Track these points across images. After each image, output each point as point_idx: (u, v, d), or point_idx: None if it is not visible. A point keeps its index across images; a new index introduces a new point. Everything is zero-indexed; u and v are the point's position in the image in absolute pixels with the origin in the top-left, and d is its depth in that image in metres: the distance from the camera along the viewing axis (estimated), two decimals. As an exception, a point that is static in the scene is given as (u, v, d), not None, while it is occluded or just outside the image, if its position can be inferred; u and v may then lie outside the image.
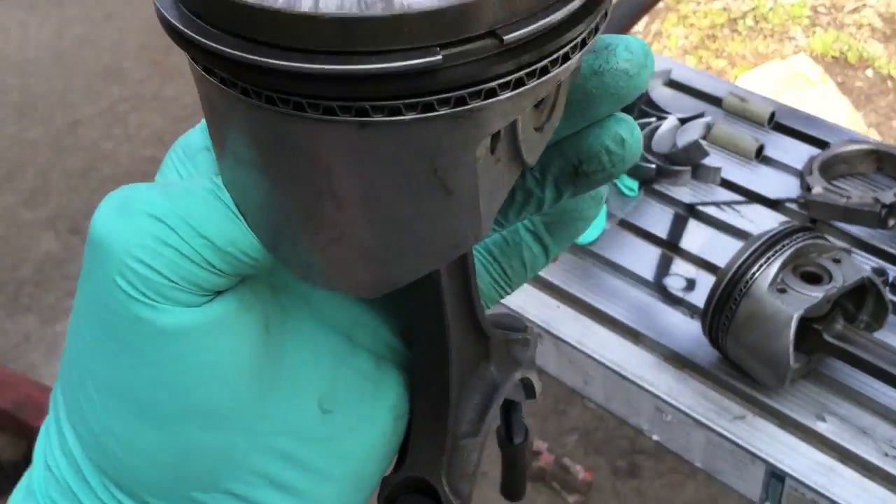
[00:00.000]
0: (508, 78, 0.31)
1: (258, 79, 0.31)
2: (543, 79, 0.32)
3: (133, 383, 0.36)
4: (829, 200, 1.45)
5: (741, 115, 1.69)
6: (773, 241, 1.23)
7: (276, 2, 0.29)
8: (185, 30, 0.32)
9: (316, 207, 0.34)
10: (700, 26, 3.44)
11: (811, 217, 1.49)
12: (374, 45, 0.29)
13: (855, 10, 3.30)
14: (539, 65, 0.31)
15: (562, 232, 0.45)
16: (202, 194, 0.35)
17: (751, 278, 1.22)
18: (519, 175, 0.37)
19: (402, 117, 0.31)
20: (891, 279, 1.40)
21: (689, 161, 1.56)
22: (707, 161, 1.56)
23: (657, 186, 1.57)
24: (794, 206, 1.52)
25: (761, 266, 1.22)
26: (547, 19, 0.31)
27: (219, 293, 0.36)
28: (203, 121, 0.39)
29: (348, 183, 0.33)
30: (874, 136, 2.82)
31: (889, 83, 3.11)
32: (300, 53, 0.30)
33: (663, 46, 3.37)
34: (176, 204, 0.35)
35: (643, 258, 1.47)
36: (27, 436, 2.03)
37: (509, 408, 0.51)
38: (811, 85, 2.89)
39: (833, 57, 3.17)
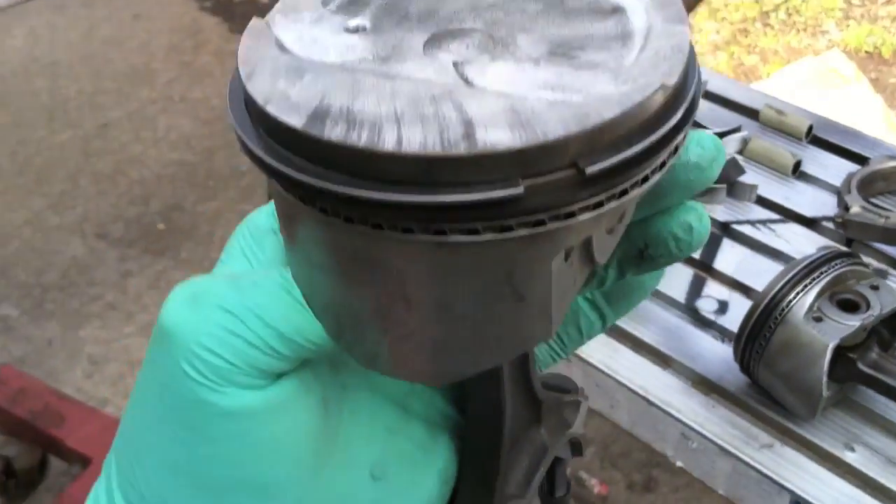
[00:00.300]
0: (588, 202, 0.31)
1: (335, 204, 0.31)
2: (622, 200, 0.32)
3: (191, 458, 0.37)
4: (867, 220, 1.41)
5: (778, 128, 1.66)
6: (811, 268, 1.20)
7: (359, 139, 0.30)
8: (269, 159, 0.32)
9: (388, 309, 0.34)
10: (731, 20, 3.39)
11: (848, 237, 1.45)
12: (455, 178, 0.30)
13: (889, 2, 3.23)
14: (619, 188, 0.32)
15: (621, 302, 0.45)
16: (271, 288, 0.36)
17: (787, 306, 1.19)
18: None
19: (480, 237, 0.31)
20: (930, 301, 1.36)
21: (725, 178, 1.53)
22: (743, 178, 1.53)
23: (691, 204, 1.54)
24: (830, 225, 1.49)
25: (798, 293, 1.19)
26: (630, 151, 0.31)
27: (280, 376, 0.37)
28: (271, 204, 0.40)
29: (422, 291, 0.34)
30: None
31: (926, 79, 3.05)
32: (380, 182, 0.30)
33: (695, 42, 3.32)
34: (245, 297, 0.36)
35: (675, 279, 1.44)
36: (43, 444, 2.05)
37: (554, 463, 0.51)
38: (845, 82, 2.84)
39: (867, 52, 3.12)
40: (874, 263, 1.35)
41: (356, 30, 0.35)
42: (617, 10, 0.35)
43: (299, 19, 0.36)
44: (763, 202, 1.54)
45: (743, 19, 3.38)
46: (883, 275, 1.37)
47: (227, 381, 0.36)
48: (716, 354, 1.33)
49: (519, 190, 0.30)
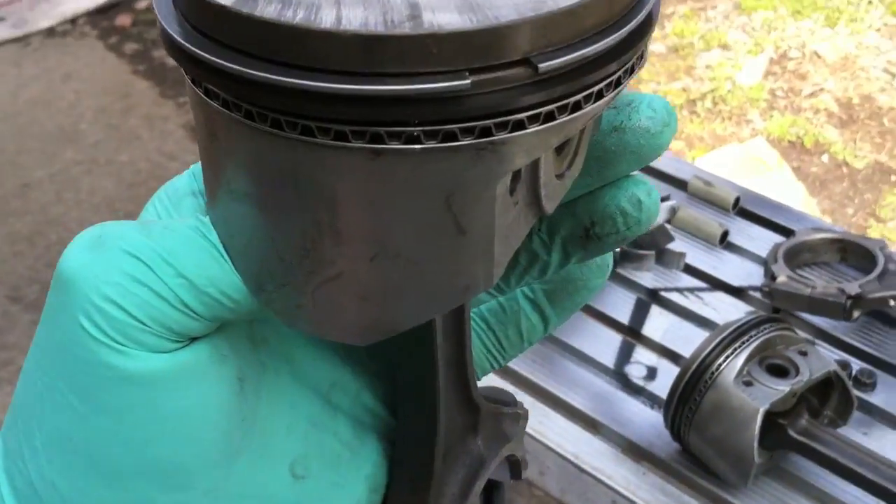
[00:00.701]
0: (539, 110, 0.29)
1: (263, 98, 0.28)
2: (575, 115, 0.30)
3: (86, 434, 0.33)
4: (794, 290, 1.42)
5: (706, 198, 1.68)
6: (740, 332, 1.20)
7: (294, 17, 0.27)
8: (187, 44, 0.29)
9: (314, 243, 0.31)
10: (660, 107, 3.46)
11: (775, 306, 1.46)
12: (397, 67, 0.27)
13: (812, 95, 3.34)
14: (572, 99, 0.29)
15: (564, 301, 0.42)
16: (185, 231, 0.33)
17: (717, 370, 1.18)
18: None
19: (421, 146, 0.28)
20: (854, 373, 1.37)
21: (654, 245, 1.54)
22: (672, 246, 1.54)
23: (620, 270, 1.55)
24: (757, 295, 1.50)
25: (728, 357, 1.19)
26: (584, 50, 0.29)
27: (193, 340, 0.33)
28: (193, 166, 0.37)
29: (354, 217, 0.31)
30: (828, 222, 2.83)
31: (844, 169, 3.14)
32: (314, 73, 0.27)
33: (623, 125, 3.38)
34: (154, 241, 0.32)
35: (604, 344, 1.43)
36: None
37: (492, 488, 0.47)
38: (768, 169, 2.91)
39: (790, 141, 3.20)
40: (801, 334, 1.36)
41: None
42: None
43: None
44: (691, 270, 1.55)
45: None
46: (810, 343, 1.38)
47: (131, 339, 0.32)
48: (646, 420, 1.32)
49: (465, 82, 0.27)
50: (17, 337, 2.58)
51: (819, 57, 3.46)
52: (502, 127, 0.29)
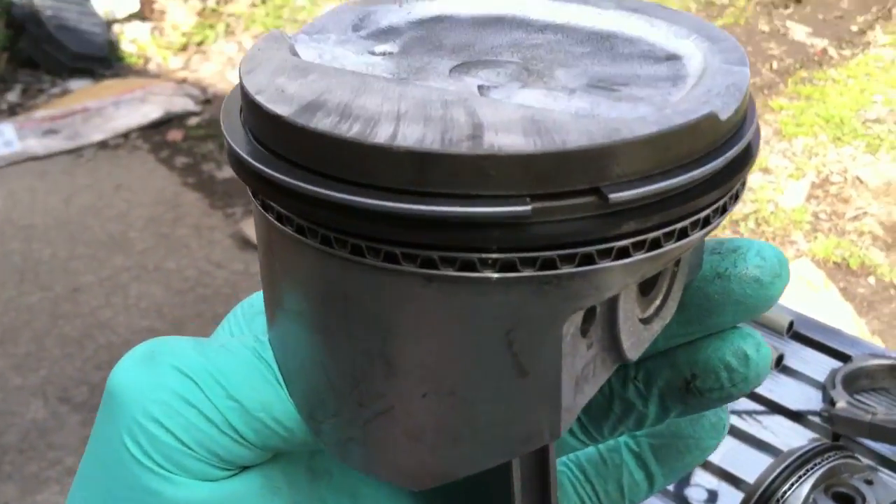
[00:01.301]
0: (610, 245, 0.26)
1: (312, 213, 0.27)
2: (653, 253, 0.27)
3: None
4: (854, 416, 1.41)
5: (759, 322, 1.67)
6: (804, 460, 1.18)
7: (348, 130, 0.26)
8: (241, 152, 0.28)
9: (364, 373, 0.29)
10: (702, 226, 3.47)
11: (835, 432, 1.44)
12: (452, 188, 0.25)
13: (856, 218, 3.34)
14: (649, 236, 0.27)
15: (673, 461, 0.38)
16: (240, 351, 0.31)
17: (781, 498, 1.16)
18: (619, 380, 0.33)
19: (477, 274, 0.26)
20: (919, 502, 1.34)
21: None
22: (727, 368, 1.53)
23: (676, 392, 1.53)
24: (816, 420, 1.48)
25: (793, 485, 1.17)
26: (665, 182, 0.26)
27: (243, 469, 0.31)
28: None
29: (404, 346, 0.28)
30: (878, 343, 2.80)
31: (892, 291, 3.12)
32: (365, 189, 0.26)
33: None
34: (208, 359, 0.31)
35: (662, 466, 1.41)
36: None
37: None
38: (815, 290, 2.90)
39: (835, 262, 3.20)
40: (863, 460, 1.33)
41: (382, 54, 0.32)
42: (672, 57, 0.31)
43: (324, 39, 0.32)
44: (749, 394, 1.53)
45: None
46: (873, 470, 1.35)
47: (175, 464, 0.29)
48: (705, 546, 1.29)
49: (526, 209, 0.25)
50: (66, 437, 2.59)
51: (861, 182, 3.48)
52: (568, 260, 0.26)
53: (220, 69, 4.48)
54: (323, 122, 0.26)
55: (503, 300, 0.27)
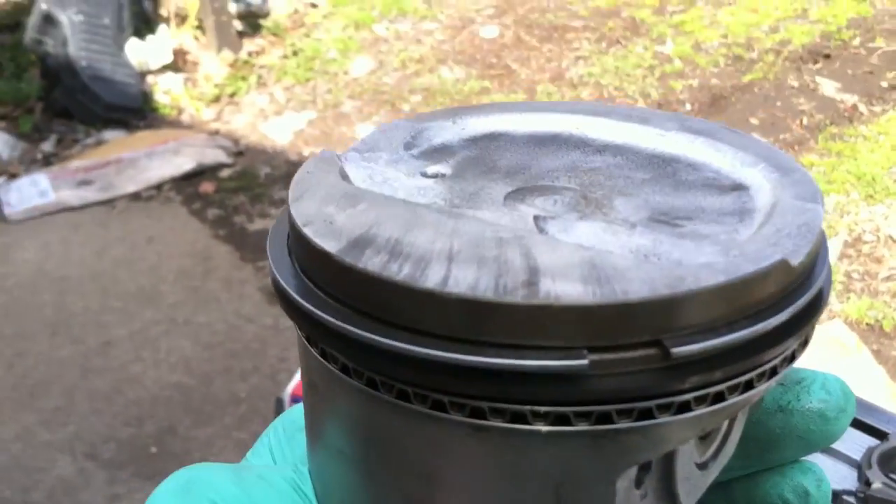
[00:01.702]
0: (671, 399, 0.25)
1: (358, 355, 0.26)
2: (716, 407, 0.26)
3: None
4: (891, 498, 1.38)
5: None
6: (842, 548, 1.16)
7: (398, 272, 0.25)
8: (293, 293, 0.27)
9: None
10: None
11: (871, 513, 1.41)
12: (506, 338, 0.24)
13: (889, 279, 3.31)
14: (712, 390, 0.25)
15: None
16: (279, 484, 0.30)
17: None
18: None
19: (528, 427, 0.25)
20: (959, 588, 1.31)
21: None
22: (761, 445, 1.51)
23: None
24: (851, 500, 1.45)
25: (829, 575, 1.14)
26: (730, 336, 0.25)
27: None
28: None
29: (448, 497, 0.27)
30: (913, 408, 2.76)
31: (926, 354, 3.08)
32: (414, 334, 0.25)
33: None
34: (244, 491, 0.29)
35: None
36: None
37: None
38: (847, 353, 2.86)
39: (868, 324, 3.16)
40: (900, 544, 1.30)
41: (435, 175, 0.30)
42: (739, 187, 0.29)
43: (375, 158, 0.31)
44: None
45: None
46: (911, 557, 1.32)
47: None
48: None
49: (583, 362, 0.24)
50: (91, 495, 2.59)
51: (894, 241, 3.45)
52: (626, 415, 0.25)
53: (251, 120, 4.53)
54: (373, 262, 0.25)
55: (555, 454, 0.25)
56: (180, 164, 4.12)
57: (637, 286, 0.24)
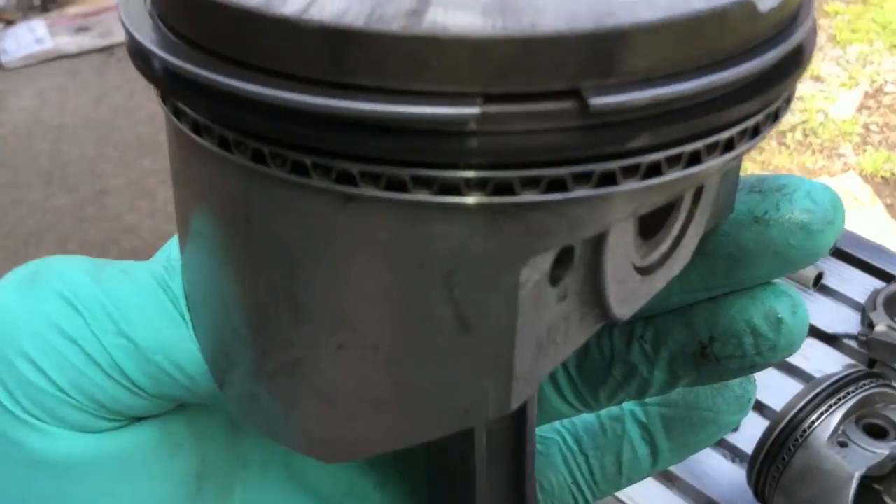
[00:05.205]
0: (590, 167, 0.20)
1: (202, 106, 0.21)
2: (649, 182, 0.20)
3: None
4: (894, 341, 1.32)
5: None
6: (836, 388, 1.11)
7: (249, 0, 0.20)
8: (141, 38, 0.23)
9: (268, 314, 0.23)
10: (747, 137, 3.36)
11: (871, 357, 1.36)
12: (377, 79, 0.19)
13: (908, 132, 3.20)
14: (646, 158, 0.20)
15: (684, 436, 0.33)
16: (143, 278, 0.26)
17: (809, 428, 1.09)
18: (622, 338, 0.27)
19: (408, 196, 0.20)
20: (959, 434, 1.26)
21: (740, 287, 1.45)
22: (760, 287, 1.45)
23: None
24: (852, 344, 1.40)
25: (822, 415, 1.09)
26: (671, 88, 0.19)
27: (135, 420, 0.26)
28: None
29: (315, 283, 0.23)
30: (926, 263, 2.70)
31: (942, 209, 3.00)
32: (266, 76, 0.20)
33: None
34: (101, 286, 0.25)
35: (684, 390, 1.35)
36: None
37: None
38: (860, 205, 2.79)
39: (883, 177, 3.07)
40: (899, 388, 1.26)
41: None
42: None
43: None
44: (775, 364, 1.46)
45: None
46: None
47: (48, 412, 0.24)
48: (726, 476, 1.23)
49: (474, 111, 0.19)
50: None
51: (918, 92, 3.32)
52: (531, 184, 0.20)
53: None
54: None
55: (442, 232, 0.21)
56: (179, 11, 4.01)
57: (552, 19, 0.19)
